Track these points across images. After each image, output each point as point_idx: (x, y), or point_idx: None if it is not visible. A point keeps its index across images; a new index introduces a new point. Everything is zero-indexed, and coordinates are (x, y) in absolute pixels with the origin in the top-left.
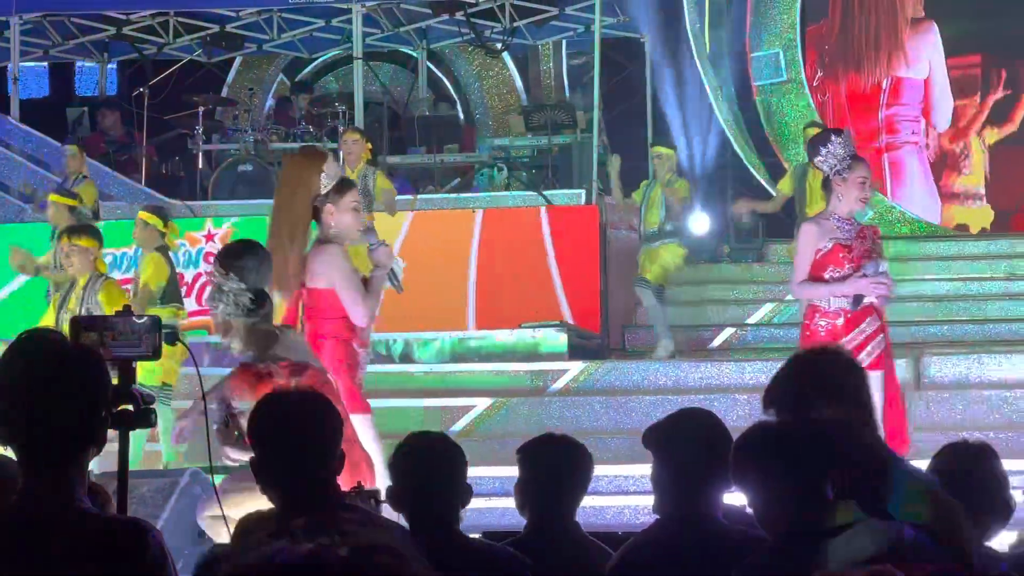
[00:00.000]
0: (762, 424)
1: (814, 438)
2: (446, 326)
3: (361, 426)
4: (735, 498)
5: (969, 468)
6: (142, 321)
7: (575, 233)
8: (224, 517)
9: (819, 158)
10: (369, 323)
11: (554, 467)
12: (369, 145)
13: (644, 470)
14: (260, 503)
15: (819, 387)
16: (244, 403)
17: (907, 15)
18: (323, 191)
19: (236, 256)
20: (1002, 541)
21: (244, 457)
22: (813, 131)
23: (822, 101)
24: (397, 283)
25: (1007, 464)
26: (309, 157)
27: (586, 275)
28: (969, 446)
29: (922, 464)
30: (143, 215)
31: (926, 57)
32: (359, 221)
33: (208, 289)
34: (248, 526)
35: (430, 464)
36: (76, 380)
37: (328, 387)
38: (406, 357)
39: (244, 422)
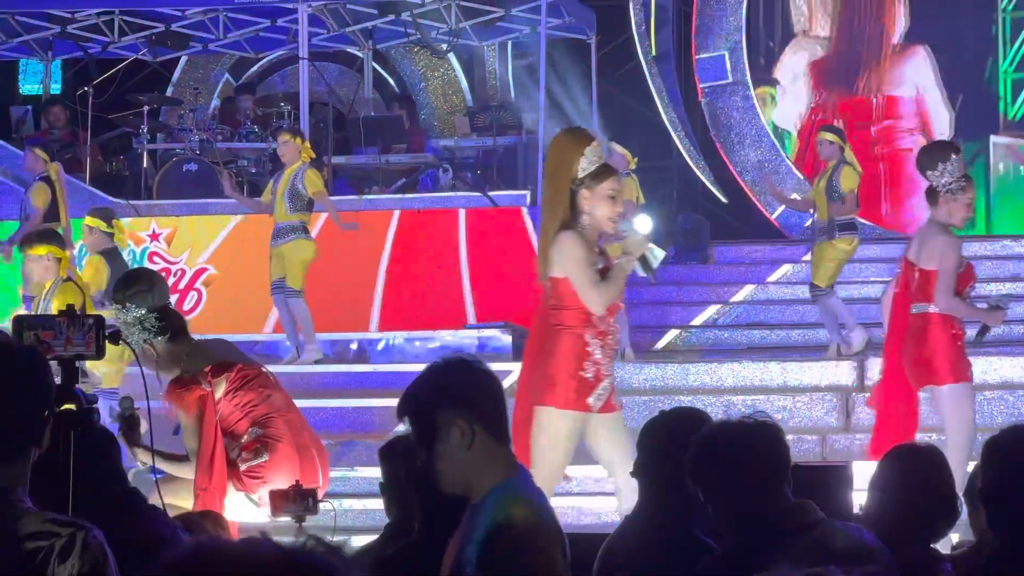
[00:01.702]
0: (720, 424)
1: (772, 438)
2: (391, 326)
3: (552, 420)
4: None
5: (918, 471)
6: (85, 321)
7: (519, 234)
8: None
9: (934, 172)
10: (607, 312)
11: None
12: (304, 143)
13: (587, 471)
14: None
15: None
16: (181, 417)
17: (891, 41)
18: (581, 175)
19: (126, 287)
20: (945, 543)
21: (148, 460)
22: (829, 135)
23: (823, 116)
24: (650, 273)
25: (952, 466)
26: (571, 139)
27: (531, 275)
28: (919, 449)
29: (867, 466)
30: (87, 220)
31: (911, 79)
32: (614, 209)
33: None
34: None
35: None
36: (18, 379)
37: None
38: (361, 357)
39: (144, 424)
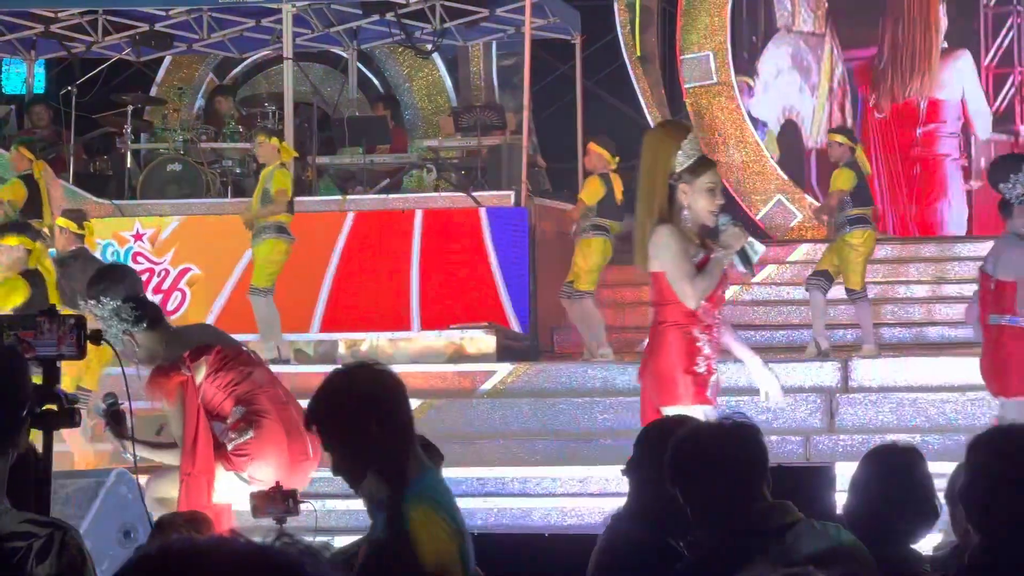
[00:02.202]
0: (697, 425)
1: (749, 439)
2: (377, 327)
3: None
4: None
5: (897, 471)
6: (67, 321)
7: (504, 234)
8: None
9: (1006, 184)
10: (712, 304)
11: None
12: (281, 144)
13: (571, 472)
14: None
15: None
16: (164, 405)
17: (939, 44)
18: (679, 169)
19: (96, 283)
20: (926, 543)
21: (142, 452)
22: (839, 137)
23: (878, 118)
24: (749, 268)
25: (933, 467)
26: (668, 131)
27: (515, 276)
28: (897, 449)
29: (850, 467)
30: (58, 221)
31: (958, 83)
32: (713, 203)
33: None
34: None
35: None
36: None
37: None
38: (331, 358)
39: (130, 418)
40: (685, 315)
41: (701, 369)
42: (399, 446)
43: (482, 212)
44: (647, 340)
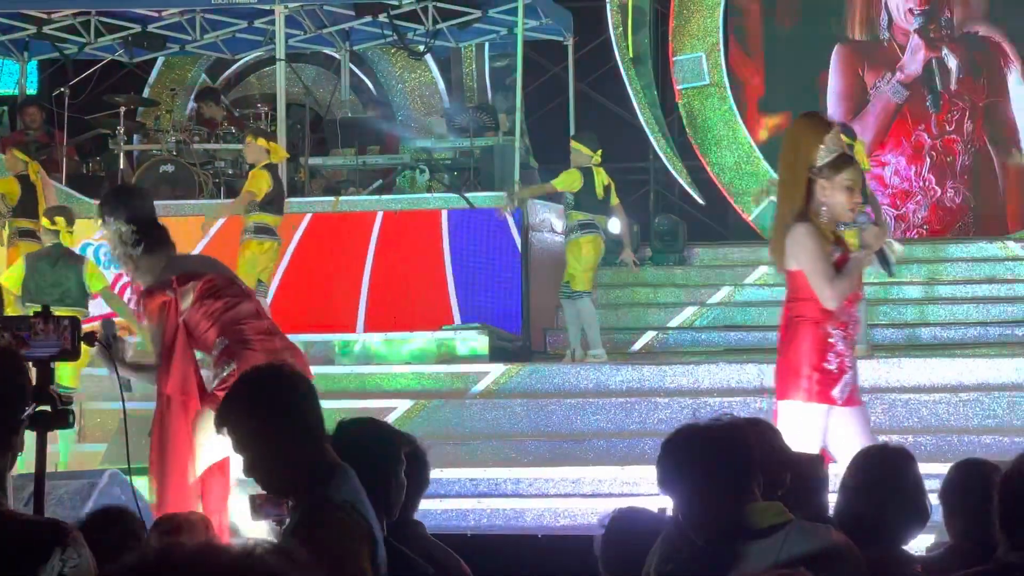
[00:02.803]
0: (687, 426)
1: (738, 439)
2: (365, 327)
3: (798, 415)
4: None
5: (888, 472)
6: (61, 322)
7: (496, 235)
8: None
9: None
10: (846, 302)
11: None
12: (268, 143)
13: (564, 473)
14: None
15: None
16: (147, 325)
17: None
18: (819, 164)
19: (104, 203)
20: (919, 544)
21: (125, 373)
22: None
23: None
24: (888, 268)
25: (925, 468)
26: (810, 125)
27: (508, 277)
28: (888, 450)
29: (842, 467)
30: (44, 222)
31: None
32: (851, 200)
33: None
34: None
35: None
36: None
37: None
38: (325, 359)
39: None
40: (820, 311)
41: (831, 367)
42: (310, 447)
43: (444, 214)
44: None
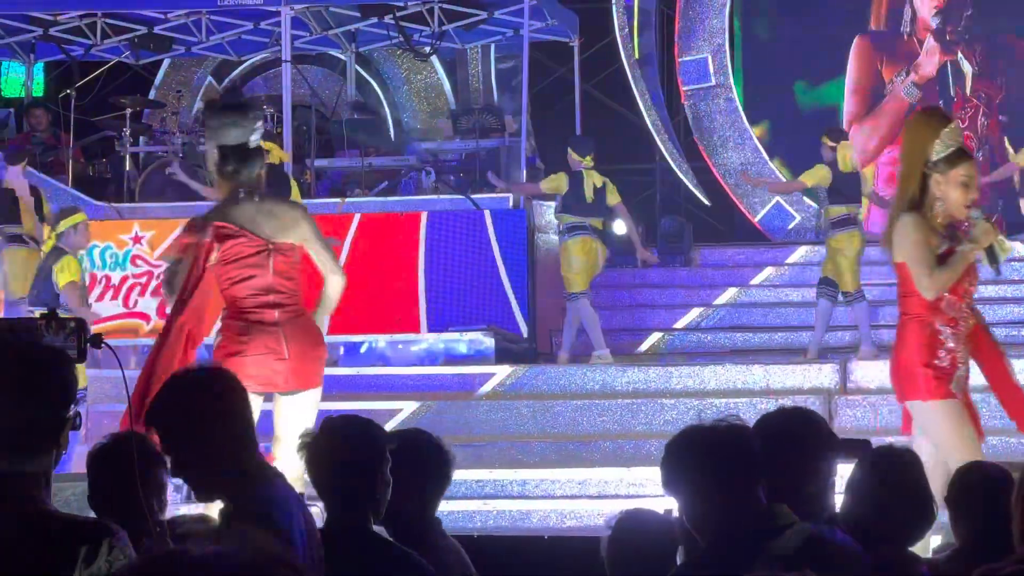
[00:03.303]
0: (691, 428)
1: (743, 440)
2: (375, 329)
3: (927, 414)
4: None
5: (894, 473)
6: (68, 324)
7: (503, 237)
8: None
9: None
10: (957, 298)
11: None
12: (268, 145)
13: (570, 474)
14: None
15: None
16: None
17: None
18: (935, 159)
19: (204, 121)
20: (925, 546)
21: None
22: (824, 138)
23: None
24: (996, 266)
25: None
26: (927, 120)
27: (514, 278)
28: (895, 451)
29: (848, 468)
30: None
31: None
32: (967, 196)
33: None
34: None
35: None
36: (43, 380)
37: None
38: (331, 360)
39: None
40: (927, 307)
41: (943, 363)
42: (239, 452)
43: (423, 216)
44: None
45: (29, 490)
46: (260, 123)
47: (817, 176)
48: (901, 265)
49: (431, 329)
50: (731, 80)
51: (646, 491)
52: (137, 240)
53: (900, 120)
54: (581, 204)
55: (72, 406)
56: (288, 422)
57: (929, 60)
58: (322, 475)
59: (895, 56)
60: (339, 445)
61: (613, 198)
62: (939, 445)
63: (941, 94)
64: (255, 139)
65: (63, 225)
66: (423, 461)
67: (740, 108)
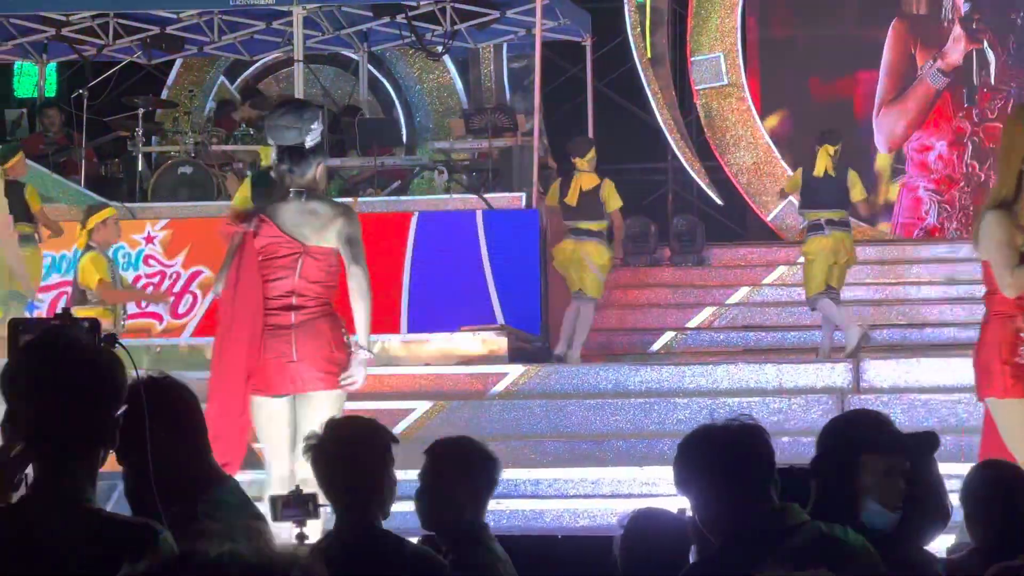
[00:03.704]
0: (704, 427)
1: (757, 441)
2: (383, 329)
3: (999, 411)
4: None
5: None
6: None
7: (515, 236)
8: None
9: None
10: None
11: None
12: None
13: (583, 474)
14: None
15: None
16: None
17: None
18: None
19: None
20: (939, 545)
21: None
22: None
23: None
24: None
25: (946, 468)
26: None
27: (527, 278)
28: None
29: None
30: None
31: None
32: None
33: None
34: None
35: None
36: (96, 380)
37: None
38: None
39: None
40: (1012, 305)
41: (1022, 360)
42: (191, 457)
43: (413, 217)
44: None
45: (77, 489)
46: (317, 124)
47: (792, 183)
48: (985, 262)
49: (411, 330)
50: (743, 79)
51: (659, 490)
52: (150, 240)
53: (927, 105)
54: (564, 206)
55: (121, 404)
56: (304, 424)
57: (955, 47)
58: (328, 476)
59: (929, 41)
60: (344, 447)
61: (611, 204)
62: (1011, 443)
63: (967, 82)
64: (311, 140)
65: (92, 221)
66: (472, 467)
67: (752, 107)
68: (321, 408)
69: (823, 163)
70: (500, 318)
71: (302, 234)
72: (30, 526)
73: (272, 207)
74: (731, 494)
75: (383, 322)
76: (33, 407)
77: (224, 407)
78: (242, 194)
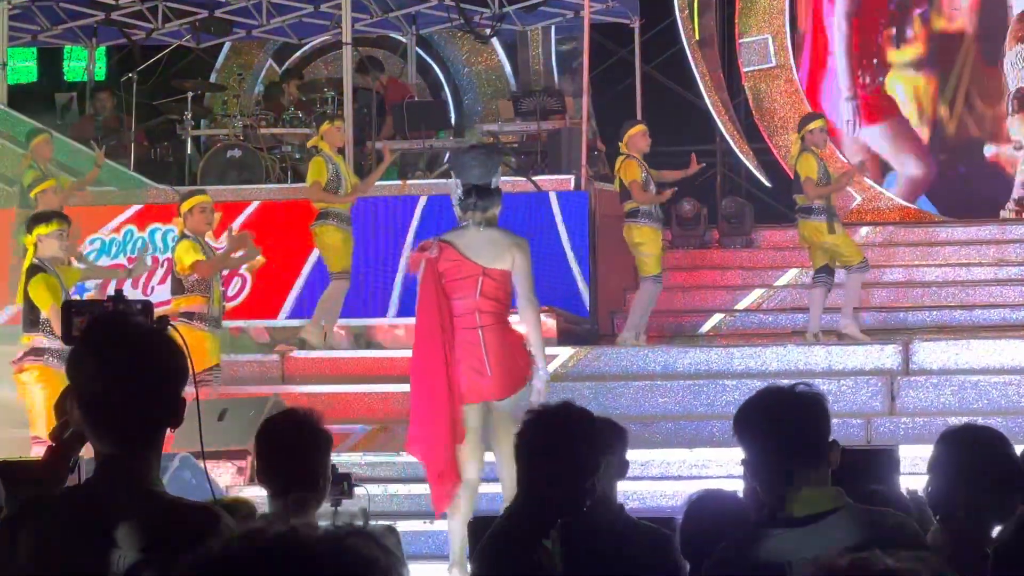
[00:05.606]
0: (771, 386)
1: (817, 408)
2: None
3: None
4: None
5: (986, 452)
6: (134, 306)
7: (565, 218)
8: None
9: None
10: None
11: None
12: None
13: (632, 455)
14: None
15: None
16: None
17: None
18: None
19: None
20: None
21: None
22: (818, 123)
23: None
24: None
25: None
26: None
27: (576, 260)
28: (980, 430)
29: (912, 449)
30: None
31: None
32: None
33: None
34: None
35: None
36: (150, 360)
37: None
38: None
39: None
40: None
41: None
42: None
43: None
44: None
45: (140, 470)
46: (501, 167)
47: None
48: None
49: (400, 314)
50: (791, 61)
51: (708, 472)
52: None
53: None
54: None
55: (180, 386)
56: (499, 427)
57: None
58: (265, 467)
59: None
60: (284, 438)
61: (626, 177)
62: None
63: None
64: (495, 181)
65: (185, 207)
66: (601, 441)
67: (800, 89)
68: (513, 408)
69: (791, 152)
70: (547, 301)
71: (481, 259)
72: (100, 509)
73: (453, 234)
74: (783, 455)
75: None
76: (100, 388)
77: (429, 418)
78: (316, 174)
